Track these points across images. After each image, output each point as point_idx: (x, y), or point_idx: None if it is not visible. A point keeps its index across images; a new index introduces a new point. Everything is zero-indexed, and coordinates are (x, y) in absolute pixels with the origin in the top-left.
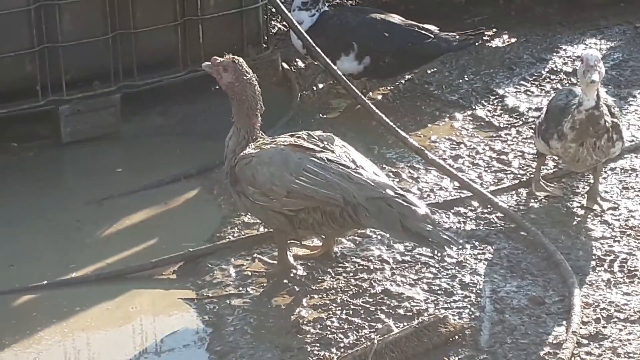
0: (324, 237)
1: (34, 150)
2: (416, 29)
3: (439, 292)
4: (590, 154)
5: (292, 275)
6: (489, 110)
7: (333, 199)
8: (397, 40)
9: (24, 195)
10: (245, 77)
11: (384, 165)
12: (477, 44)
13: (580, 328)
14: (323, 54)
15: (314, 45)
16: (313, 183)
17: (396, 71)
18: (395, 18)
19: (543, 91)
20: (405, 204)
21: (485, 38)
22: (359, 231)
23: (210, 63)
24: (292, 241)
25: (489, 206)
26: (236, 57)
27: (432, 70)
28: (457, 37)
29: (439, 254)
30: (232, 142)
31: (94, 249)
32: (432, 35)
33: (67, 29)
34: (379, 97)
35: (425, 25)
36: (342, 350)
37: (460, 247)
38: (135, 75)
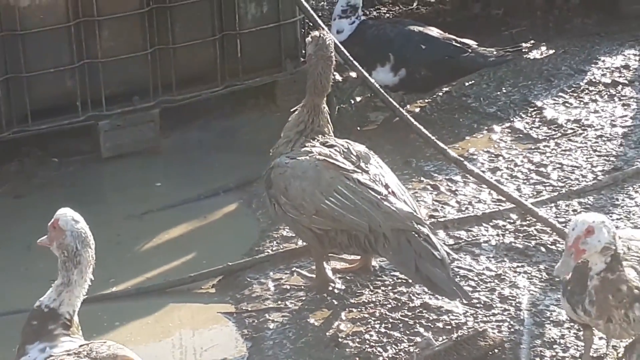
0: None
1: (74, 165)
2: (453, 43)
3: (478, 305)
4: (626, 330)
5: (330, 289)
6: (527, 122)
7: (359, 226)
8: (433, 53)
9: None
10: (321, 52)
11: (422, 178)
12: (515, 58)
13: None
14: (360, 67)
15: (351, 58)
16: (341, 206)
17: (432, 84)
18: (434, 31)
19: (582, 103)
20: (424, 244)
21: (523, 50)
22: None
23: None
24: (330, 255)
25: (528, 218)
26: (325, 33)
27: (470, 82)
28: (495, 52)
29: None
30: (292, 119)
31: (134, 263)
32: (470, 50)
33: (106, 45)
34: (417, 109)
35: (464, 40)
36: None
37: (468, 300)
38: (174, 90)
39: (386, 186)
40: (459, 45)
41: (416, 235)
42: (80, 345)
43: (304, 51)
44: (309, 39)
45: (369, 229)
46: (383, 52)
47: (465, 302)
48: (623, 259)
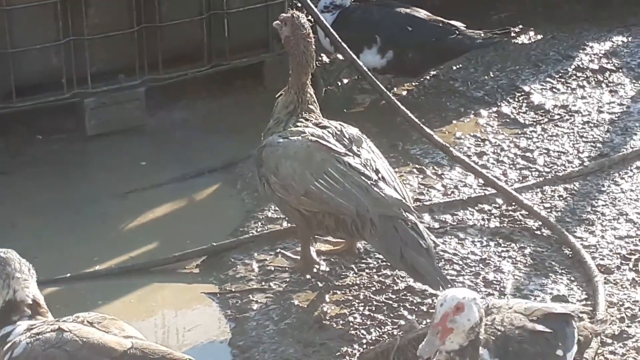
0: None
1: (59, 143)
2: (440, 25)
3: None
4: None
5: (315, 270)
6: (514, 107)
7: (347, 210)
8: (420, 35)
9: (48, 188)
10: (300, 32)
11: (409, 162)
12: (503, 40)
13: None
14: (349, 49)
15: (339, 40)
16: (330, 189)
17: (420, 66)
18: (421, 13)
19: (569, 88)
20: (411, 232)
21: (511, 34)
22: None
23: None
24: (315, 237)
25: (513, 204)
26: (296, 12)
27: (458, 66)
28: (482, 34)
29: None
30: (281, 102)
31: (118, 242)
32: (457, 32)
33: (92, 22)
34: (404, 93)
35: (451, 22)
36: (365, 346)
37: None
38: (160, 68)
39: (377, 171)
40: (446, 27)
41: (403, 222)
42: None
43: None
44: (277, 23)
45: (357, 214)
46: (369, 34)
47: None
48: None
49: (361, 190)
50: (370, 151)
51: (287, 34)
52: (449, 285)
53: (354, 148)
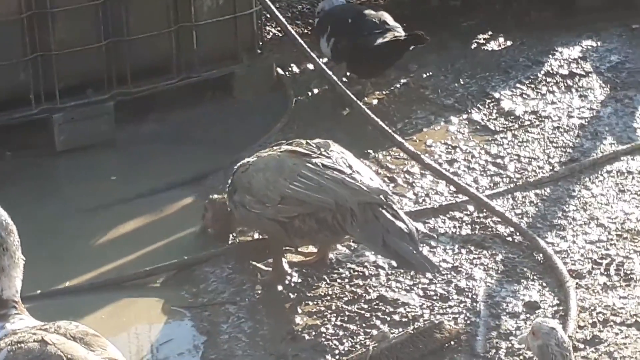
0: (319, 245)
1: (28, 158)
2: (378, 23)
3: (435, 297)
4: None
5: (286, 282)
6: (484, 114)
7: (325, 203)
8: (356, 28)
9: (17, 204)
10: (212, 205)
11: (379, 171)
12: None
13: (577, 332)
14: (318, 59)
15: (308, 50)
16: (306, 188)
17: (354, 58)
18: (383, 14)
19: (539, 94)
20: (392, 219)
21: (480, 41)
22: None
23: None
24: (287, 248)
25: (484, 210)
26: (211, 198)
27: (428, 74)
28: (403, 36)
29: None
30: None
31: (89, 258)
32: (380, 31)
33: (60, 37)
34: (374, 101)
35: (395, 24)
36: (337, 357)
37: (437, 273)
38: (129, 82)
39: (350, 167)
40: (381, 26)
41: (384, 210)
42: (45, 323)
43: (260, 43)
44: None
45: (336, 206)
46: (325, 25)
47: (435, 274)
48: None
49: (337, 183)
50: (340, 152)
51: (210, 213)
52: (435, 268)
53: (323, 152)
